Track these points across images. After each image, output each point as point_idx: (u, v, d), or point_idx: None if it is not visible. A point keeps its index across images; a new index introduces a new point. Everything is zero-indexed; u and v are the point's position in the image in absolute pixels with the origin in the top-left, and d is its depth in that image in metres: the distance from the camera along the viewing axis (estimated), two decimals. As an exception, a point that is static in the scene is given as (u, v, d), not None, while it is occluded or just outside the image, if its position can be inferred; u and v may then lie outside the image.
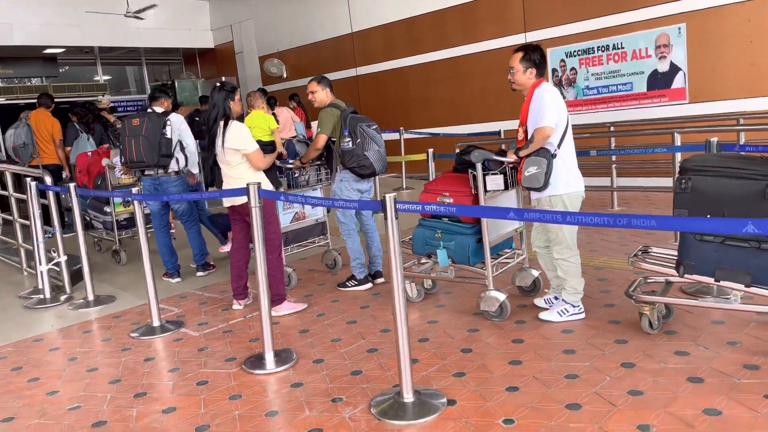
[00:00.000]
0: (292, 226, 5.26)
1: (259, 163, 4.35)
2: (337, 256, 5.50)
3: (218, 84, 4.36)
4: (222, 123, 4.28)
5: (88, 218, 6.78)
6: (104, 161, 6.64)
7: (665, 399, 2.73)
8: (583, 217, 2.18)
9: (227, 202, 4.43)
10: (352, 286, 4.85)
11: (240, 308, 4.63)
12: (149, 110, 5.40)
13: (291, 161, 5.13)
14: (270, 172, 4.57)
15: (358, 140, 4.60)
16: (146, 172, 5.35)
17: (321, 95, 4.81)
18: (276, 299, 4.40)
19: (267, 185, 4.36)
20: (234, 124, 4.28)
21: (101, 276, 5.90)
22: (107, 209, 6.59)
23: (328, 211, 5.56)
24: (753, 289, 3.03)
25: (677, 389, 2.80)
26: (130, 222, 6.74)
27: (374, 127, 4.74)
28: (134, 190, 4.32)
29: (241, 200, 4.23)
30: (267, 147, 4.60)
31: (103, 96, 13.25)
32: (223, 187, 4.38)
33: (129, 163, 5.33)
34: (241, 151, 4.28)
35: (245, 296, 4.67)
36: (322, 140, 4.75)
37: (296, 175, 5.15)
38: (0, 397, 3.45)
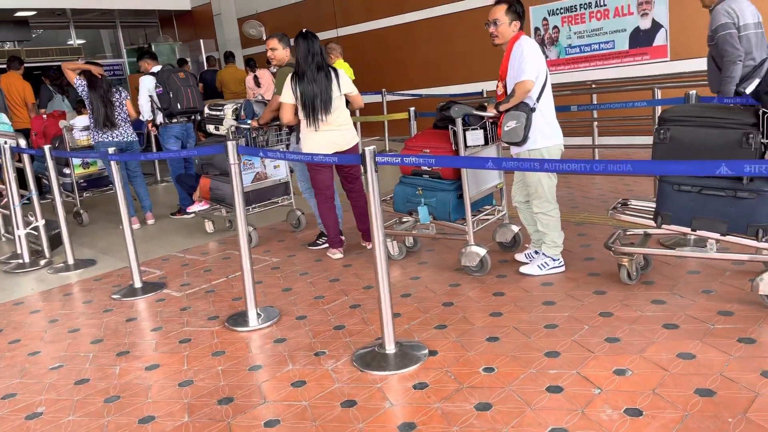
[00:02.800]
0: (253, 186, 5.27)
1: (361, 102, 4.57)
2: (300, 216, 5.53)
3: (306, 31, 4.27)
4: (332, 71, 4.33)
5: (45, 182, 6.71)
6: (61, 123, 6.60)
7: (641, 345, 2.79)
8: (560, 164, 2.18)
9: (336, 147, 4.37)
10: (323, 243, 4.86)
11: (342, 257, 4.60)
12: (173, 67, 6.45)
13: (249, 121, 5.09)
14: None
15: None
16: (179, 120, 6.24)
17: (281, 53, 4.76)
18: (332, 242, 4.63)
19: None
20: (341, 71, 4.41)
21: (80, 240, 5.84)
22: (67, 171, 6.56)
23: (291, 171, 5.57)
24: (729, 238, 3.08)
25: (653, 335, 2.86)
26: (90, 183, 6.83)
27: None
28: (111, 150, 4.24)
29: (352, 144, 4.45)
30: None
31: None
32: (333, 135, 4.36)
33: (185, 110, 6.17)
34: (350, 95, 4.44)
35: (342, 243, 4.68)
36: (277, 102, 4.67)
37: (254, 135, 5.14)
38: (-19, 359, 3.44)
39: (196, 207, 5.66)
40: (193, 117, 6.31)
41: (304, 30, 4.28)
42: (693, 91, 3.91)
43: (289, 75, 4.31)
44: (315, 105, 4.23)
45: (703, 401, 2.30)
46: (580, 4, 8.32)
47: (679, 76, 7.22)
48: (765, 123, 2.88)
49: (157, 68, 6.30)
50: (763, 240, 3.00)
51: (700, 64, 7.28)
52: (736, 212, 2.99)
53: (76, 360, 3.29)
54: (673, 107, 3.23)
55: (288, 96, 4.30)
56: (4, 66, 9.15)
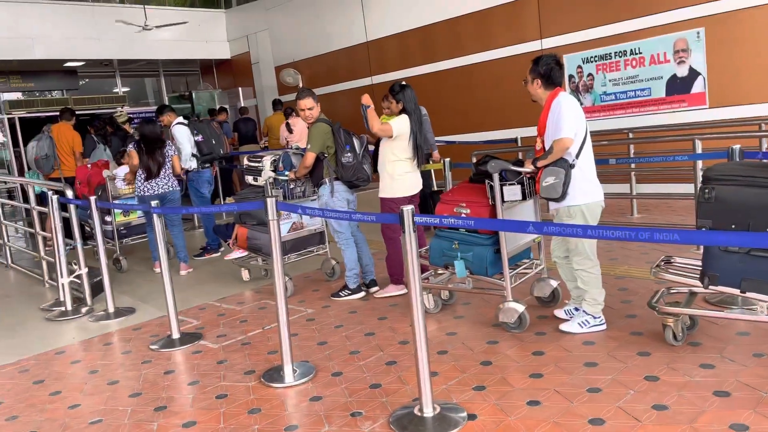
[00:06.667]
0: (289, 236, 5.33)
1: None
2: (335, 265, 5.56)
3: (406, 83, 4.79)
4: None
5: (88, 228, 6.93)
6: (105, 173, 6.84)
7: (691, 414, 2.67)
8: (604, 231, 2.15)
9: (419, 187, 4.85)
10: (345, 295, 4.91)
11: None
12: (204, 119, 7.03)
13: (287, 172, 5.18)
14: None
15: (358, 154, 4.80)
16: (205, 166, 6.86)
17: (317, 111, 4.86)
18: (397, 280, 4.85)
19: None
20: None
21: (121, 288, 5.95)
22: (108, 219, 6.78)
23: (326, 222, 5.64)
24: (779, 301, 2.97)
25: (703, 404, 2.75)
26: (130, 231, 7.05)
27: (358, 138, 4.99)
28: (153, 203, 4.35)
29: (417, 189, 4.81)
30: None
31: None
32: (418, 175, 4.83)
33: (224, 156, 7.13)
34: None
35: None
36: (311, 158, 4.81)
37: (292, 186, 5.23)
38: (23, 411, 3.49)
39: (235, 254, 5.74)
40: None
41: (404, 82, 4.80)
42: (737, 146, 3.84)
43: (404, 115, 4.66)
44: (420, 145, 4.69)
45: (761, 480, 2.18)
46: (615, 52, 8.33)
47: (718, 124, 7.11)
48: (815, 183, 2.81)
49: (178, 119, 6.79)
50: (818, 304, 2.88)
51: (740, 111, 7.24)
52: (787, 274, 2.88)
53: (115, 414, 3.31)
54: (716, 165, 3.17)
55: (403, 128, 4.61)
56: (56, 114, 9.58)
